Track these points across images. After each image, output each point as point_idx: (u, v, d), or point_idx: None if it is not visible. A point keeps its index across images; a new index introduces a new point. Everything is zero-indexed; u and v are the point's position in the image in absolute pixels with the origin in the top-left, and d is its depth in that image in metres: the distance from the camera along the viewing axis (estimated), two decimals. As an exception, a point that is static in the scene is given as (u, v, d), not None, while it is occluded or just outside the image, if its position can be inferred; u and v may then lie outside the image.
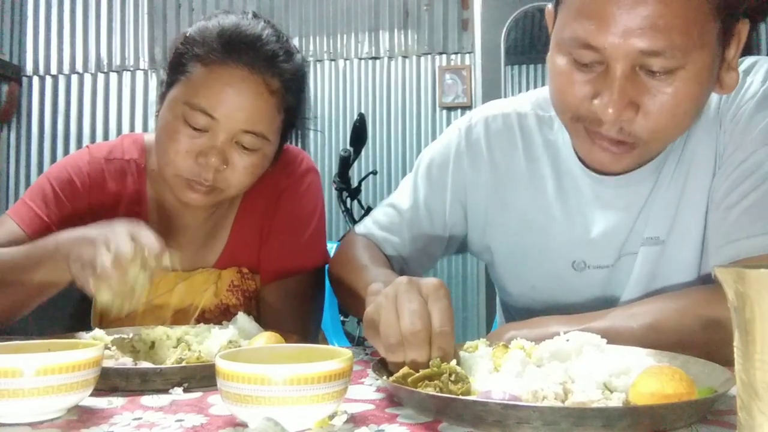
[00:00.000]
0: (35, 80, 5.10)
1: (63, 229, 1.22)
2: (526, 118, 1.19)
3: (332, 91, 4.89)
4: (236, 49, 1.12)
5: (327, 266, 1.39)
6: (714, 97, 1.04)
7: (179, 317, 1.24)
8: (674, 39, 0.86)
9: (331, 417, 0.68)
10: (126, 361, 0.91)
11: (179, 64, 1.15)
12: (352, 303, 1.15)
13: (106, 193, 1.28)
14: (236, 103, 1.11)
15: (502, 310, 1.37)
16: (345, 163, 3.78)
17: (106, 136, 4.91)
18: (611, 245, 1.10)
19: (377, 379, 0.83)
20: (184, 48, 1.16)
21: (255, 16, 1.19)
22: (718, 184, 1.01)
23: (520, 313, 1.24)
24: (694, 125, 1.04)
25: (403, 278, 0.83)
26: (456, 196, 1.22)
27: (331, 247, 1.42)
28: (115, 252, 0.91)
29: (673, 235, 1.06)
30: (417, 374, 0.75)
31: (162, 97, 1.18)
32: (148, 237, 0.96)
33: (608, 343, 0.84)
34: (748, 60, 1.05)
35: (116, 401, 0.78)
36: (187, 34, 1.17)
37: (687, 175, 1.05)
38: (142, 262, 0.92)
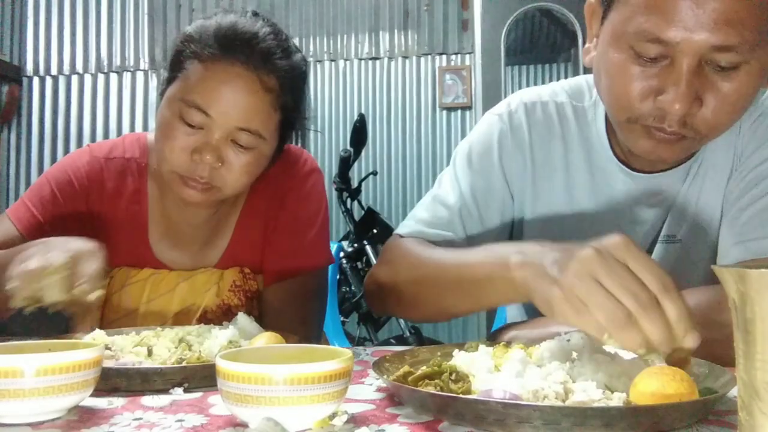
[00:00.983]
0: (35, 81, 5.10)
1: (56, 228, 1.21)
2: (564, 108, 1.18)
3: (332, 92, 4.89)
4: (231, 46, 1.12)
5: (330, 267, 1.38)
6: None
7: (181, 317, 1.24)
8: (745, 34, 0.86)
9: (332, 417, 0.68)
10: (126, 361, 0.91)
11: (178, 62, 1.16)
12: (435, 297, 1.03)
13: (104, 193, 1.27)
14: (231, 100, 1.11)
15: (522, 306, 1.35)
16: (345, 164, 3.78)
17: (106, 137, 4.92)
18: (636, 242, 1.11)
19: (377, 379, 0.83)
20: (182, 46, 1.16)
21: (255, 14, 1.19)
22: (733, 187, 1.02)
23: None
24: None
25: (586, 249, 0.74)
26: (505, 180, 1.18)
27: (331, 248, 1.42)
28: (26, 265, 0.91)
29: (689, 235, 1.07)
30: (417, 373, 0.75)
31: (162, 95, 1.19)
32: (90, 265, 0.94)
33: (609, 343, 0.84)
34: None
35: (117, 401, 0.78)
36: (187, 33, 1.17)
37: (705, 177, 1.06)
38: (58, 278, 0.91)
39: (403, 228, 1.21)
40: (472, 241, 1.15)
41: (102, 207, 1.27)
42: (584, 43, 1.06)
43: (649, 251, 1.10)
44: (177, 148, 1.12)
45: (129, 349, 0.95)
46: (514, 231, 1.23)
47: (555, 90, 1.21)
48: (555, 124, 1.17)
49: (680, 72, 0.89)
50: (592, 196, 1.14)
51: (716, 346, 0.83)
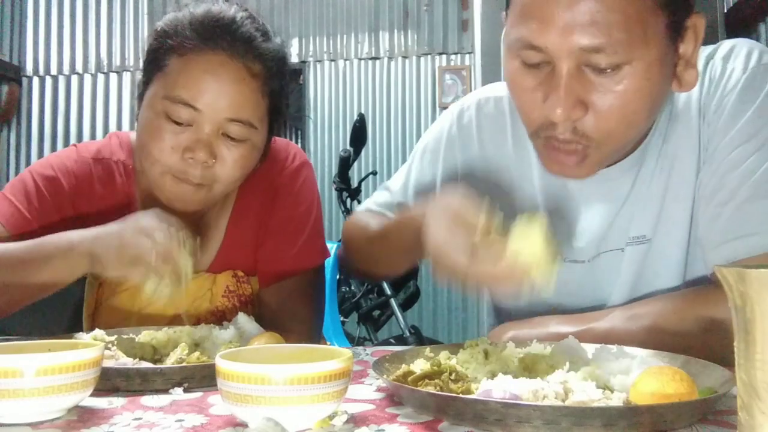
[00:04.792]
0: (35, 81, 5.10)
1: (43, 226, 1.17)
2: None
3: (332, 92, 4.89)
4: (211, 34, 1.09)
5: (328, 265, 1.38)
6: (695, 89, 1.01)
7: (175, 325, 1.22)
8: (614, 35, 0.85)
9: (332, 417, 0.68)
10: (126, 361, 0.91)
11: (154, 60, 1.12)
12: (386, 250, 1.16)
13: (93, 195, 1.23)
14: (218, 90, 1.08)
15: (492, 305, 1.35)
16: (345, 164, 3.78)
17: (105, 137, 4.91)
18: (589, 239, 1.09)
19: (377, 379, 0.83)
20: (157, 43, 1.12)
21: (226, 0, 1.16)
22: (706, 179, 0.99)
23: (505, 307, 1.22)
24: (675, 119, 1.02)
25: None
26: (448, 179, 1.21)
27: (331, 247, 1.42)
28: (163, 243, 0.95)
29: (658, 232, 1.04)
30: (417, 373, 0.75)
31: (140, 98, 1.15)
32: (177, 223, 1.00)
33: (609, 344, 0.84)
34: (725, 45, 1.03)
35: (116, 401, 0.78)
36: (159, 29, 1.14)
37: (670, 171, 1.03)
38: (186, 249, 0.96)
39: (358, 207, 1.38)
40: None
41: (90, 209, 1.22)
42: None
43: (615, 250, 1.07)
44: (167, 148, 1.08)
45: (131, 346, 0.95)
46: None
47: None
48: (506, 119, 1.17)
49: (559, 77, 0.89)
50: (542, 192, 1.13)
51: (714, 348, 0.83)
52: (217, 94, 1.08)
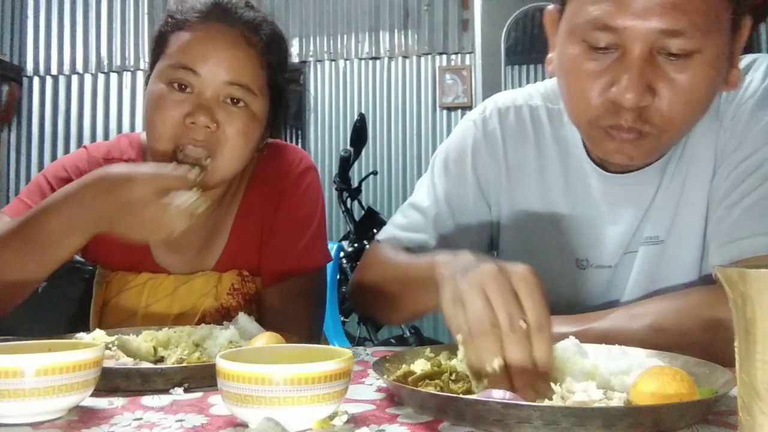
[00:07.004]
0: (36, 81, 5.10)
1: None
2: (538, 111, 1.18)
3: (332, 91, 4.89)
4: (214, 10, 1.16)
5: (329, 266, 1.38)
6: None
7: (179, 322, 1.23)
8: (694, 19, 0.85)
9: (332, 417, 0.68)
10: (126, 361, 0.91)
11: (161, 43, 1.17)
12: (398, 298, 1.07)
13: None
14: (217, 55, 1.13)
15: None
16: (345, 164, 3.78)
17: (106, 137, 4.92)
18: (615, 245, 1.10)
19: (378, 379, 0.83)
20: (164, 27, 1.18)
21: None
22: (719, 184, 1.00)
23: None
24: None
25: (490, 263, 0.76)
26: (479, 188, 1.20)
27: (331, 248, 1.42)
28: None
29: (672, 234, 1.06)
30: (417, 373, 0.75)
31: (147, 81, 1.19)
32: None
33: (609, 344, 0.84)
34: (747, 58, 1.04)
35: (117, 401, 0.78)
36: (167, 13, 1.20)
37: (686, 175, 1.05)
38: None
39: (381, 234, 1.27)
40: (445, 246, 1.16)
41: None
42: None
43: (630, 252, 1.09)
44: (169, 117, 1.12)
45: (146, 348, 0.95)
46: (494, 236, 1.24)
47: (530, 93, 1.20)
48: (528, 128, 1.17)
49: (631, 60, 0.88)
50: (567, 199, 1.13)
51: (714, 347, 0.83)
52: (217, 58, 1.13)
